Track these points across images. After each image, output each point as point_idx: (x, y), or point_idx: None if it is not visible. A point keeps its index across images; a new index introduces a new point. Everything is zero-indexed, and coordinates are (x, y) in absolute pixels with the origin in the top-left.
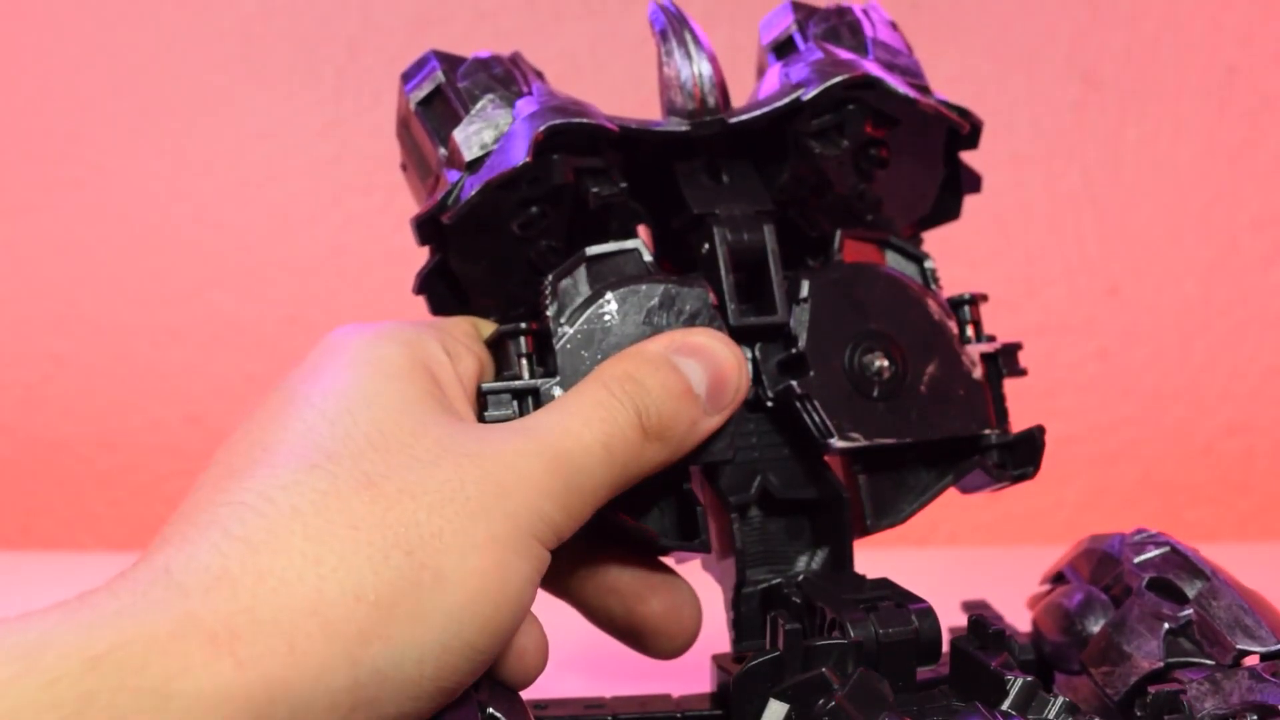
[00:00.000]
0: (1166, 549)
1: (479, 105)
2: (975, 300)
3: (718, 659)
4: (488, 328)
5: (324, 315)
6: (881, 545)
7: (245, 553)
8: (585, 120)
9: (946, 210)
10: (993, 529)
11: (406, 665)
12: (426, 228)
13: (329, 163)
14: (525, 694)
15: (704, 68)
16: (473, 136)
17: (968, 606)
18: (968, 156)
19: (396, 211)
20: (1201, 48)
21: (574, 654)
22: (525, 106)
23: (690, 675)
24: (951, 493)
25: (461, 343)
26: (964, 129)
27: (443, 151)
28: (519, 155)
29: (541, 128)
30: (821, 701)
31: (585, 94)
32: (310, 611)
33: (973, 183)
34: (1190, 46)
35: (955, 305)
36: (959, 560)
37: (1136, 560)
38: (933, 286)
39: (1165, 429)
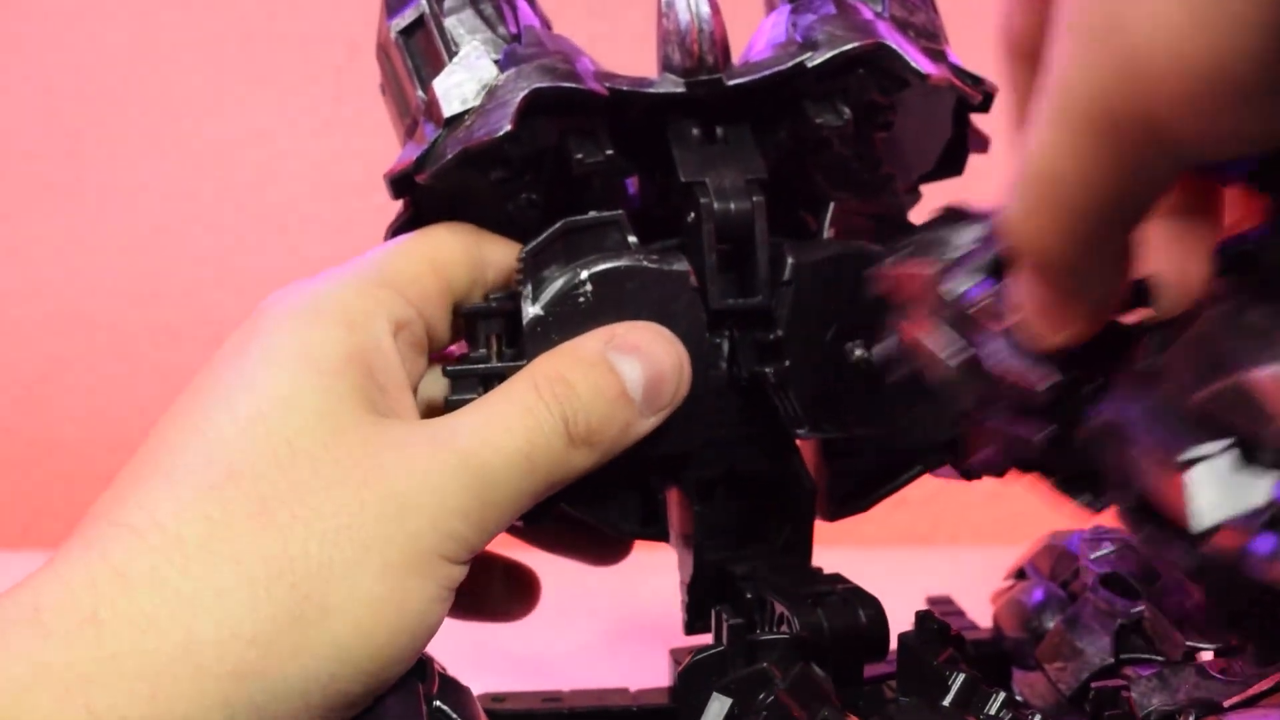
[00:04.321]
0: (1121, 545)
1: (463, 51)
2: None
3: (675, 653)
4: (471, 238)
5: None
6: (882, 545)
7: (119, 590)
8: (572, 86)
9: (950, 166)
10: (992, 529)
11: (291, 698)
12: (401, 184)
13: (329, 163)
14: (482, 686)
15: (705, 24)
16: (453, 90)
17: (931, 601)
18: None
19: (397, 212)
20: None
21: (532, 647)
22: (511, 59)
23: (651, 669)
24: (951, 493)
25: (415, 304)
26: (975, 100)
27: (421, 95)
28: (501, 123)
29: (525, 92)
30: (763, 695)
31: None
32: (179, 654)
33: (980, 144)
34: None
35: None
36: (959, 560)
37: (1092, 556)
38: None
39: None
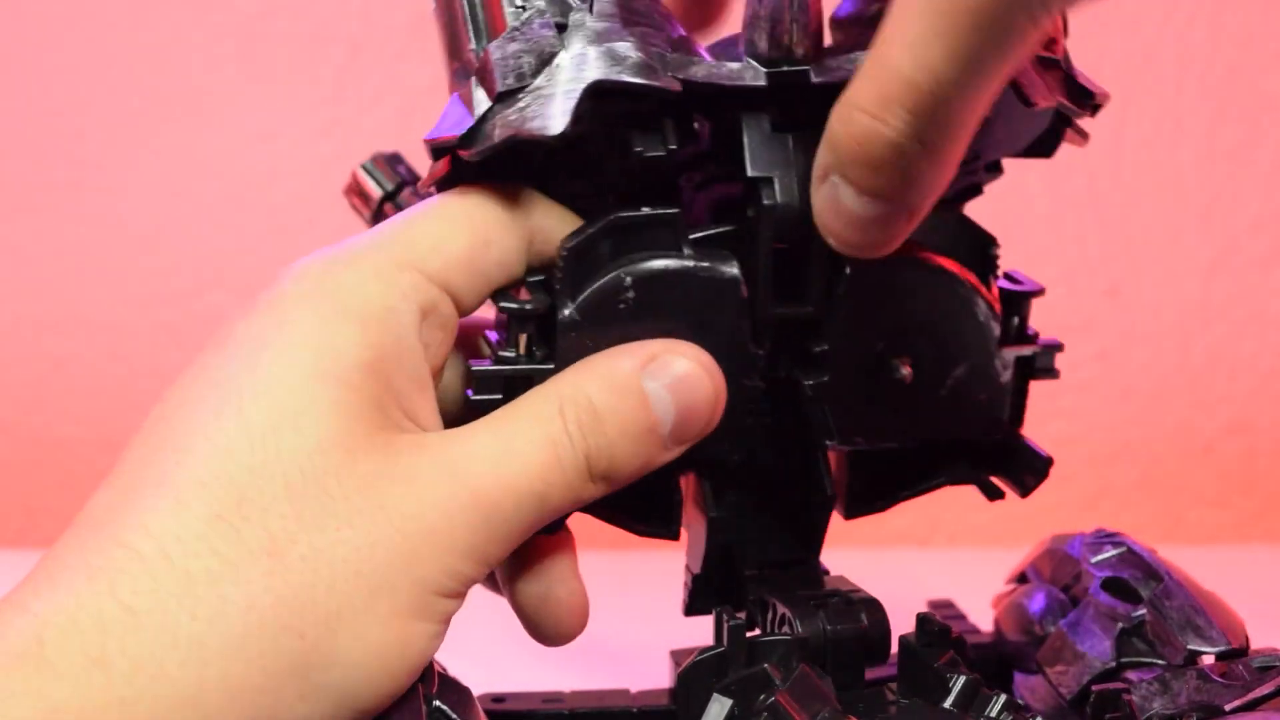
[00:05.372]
0: (1123, 549)
1: (527, 14)
2: (1029, 295)
3: (676, 654)
4: (518, 203)
5: None
6: (881, 545)
7: (127, 629)
8: (637, 81)
9: (1039, 148)
10: (992, 529)
11: None
12: (442, 153)
13: (329, 163)
14: (482, 686)
15: (800, 13)
16: (510, 60)
17: (933, 605)
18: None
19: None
20: (1201, 48)
21: (533, 647)
22: (578, 32)
23: (652, 670)
24: (951, 494)
25: (441, 278)
26: (1080, 117)
27: (475, 49)
28: (555, 120)
29: (585, 86)
30: (763, 697)
31: None
32: (188, 702)
33: (1078, 138)
34: (1190, 46)
35: (1008, 299)
36: (958, 560)
37: (1093, 560)
38: (990, 276)
39: (1165, 429)
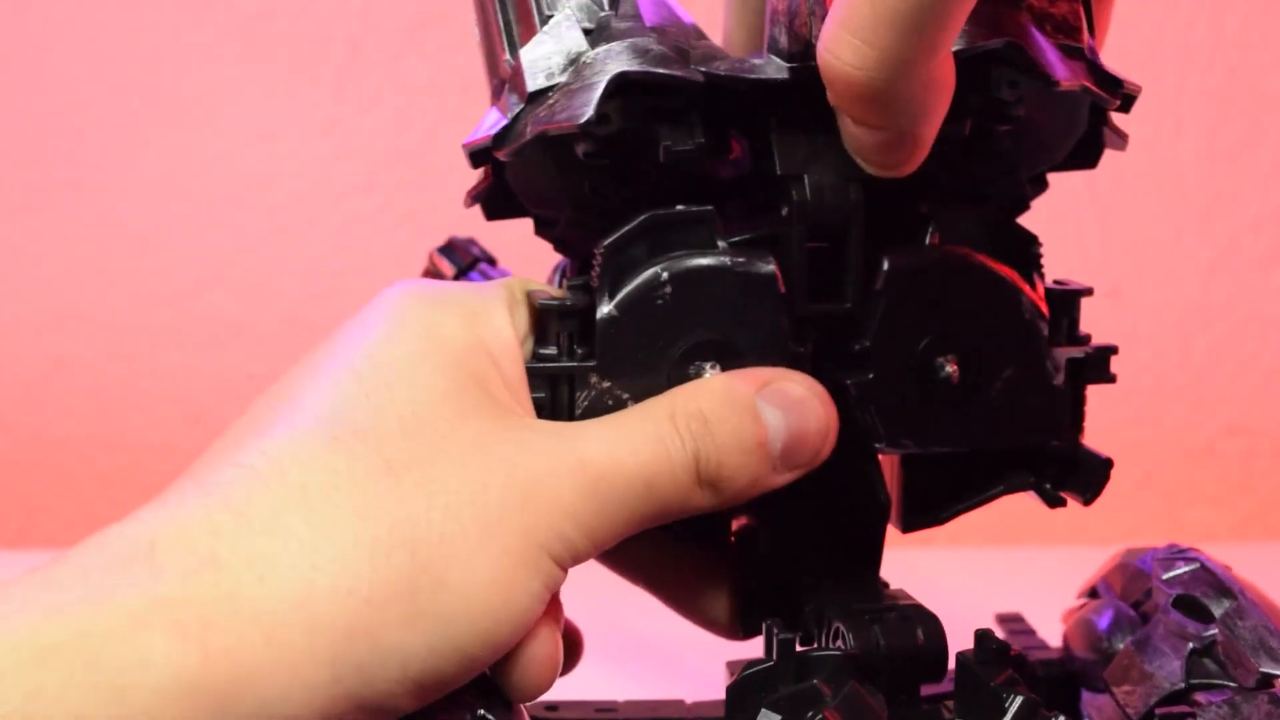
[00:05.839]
0: (1196, 565)
1: (555, 19)
2: (1079, 294)
3: (731, 665)
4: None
5: (324, 315)
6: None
7: (238, 533)
8: (663, 72)
9: (1083, 158)
10: (992, 529)
11: (390, 665)
12: (481, 156)
13: (329, 163)
14: None
15: (817, 5)
16: (540, 61)
17: (1000, 619)
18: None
19: (397, 211)
20: (1201, 48)
21: (590, 654)
22: (603, 32)
23: (709, 680)
24: None
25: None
26: (1111, 105)
27: (509, 60)
28: (584, 109)
29: (611, 75)
30: (811, 714)
31: None
32: (297, 604)
33: (1118, 141)
34: (1190, 46)
35: (1055, 298)
36: (958, 560)
37: (1164, 576)
38: (1034, 275)
39: (1165, 429)
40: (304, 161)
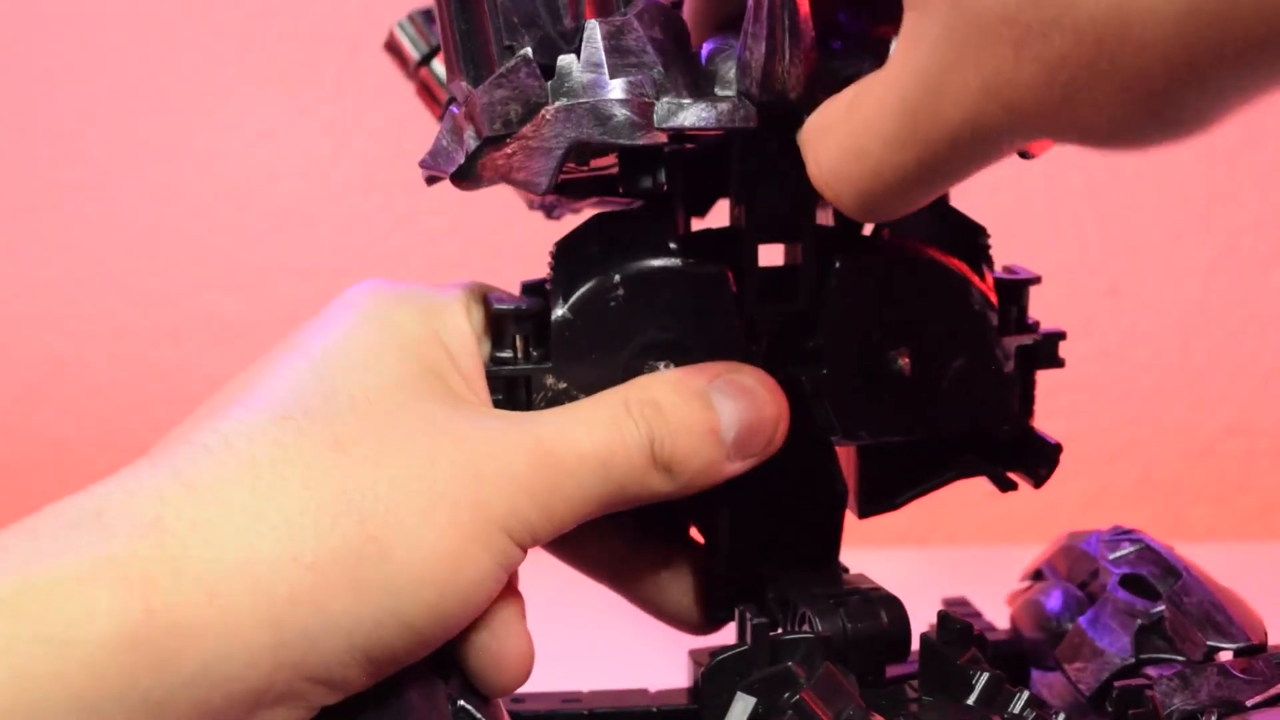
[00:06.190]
0: (1140, 546)
1: (514, 62)
2: (1027, 283)
3: (694, 654)
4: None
5: None
6: (880, 545)
7: (185, 500)
8: (620, 142)
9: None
10: (992, 529)
11: (336, 635)
12: (435, 179)
13: (329, 163)
14: None
15: (793, 63)
16: (497, 106)
17: (948, 603)
18: None
19: (397, 211)
20: None
21: (550, 647)
22: (561, 85)
23: (667, 670)
24: (951, 492)
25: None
26: None
27: (465, 86)
28: (538, 178)
29: (565, 146)
30: (787, 695)
31: None
32: (240, 566)
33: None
34: None
35: (1004, 288)
36: (958, 560)
37: (1111, 557)
38: (983, 265)
39: (1165, 429)
40: (304, 161)
